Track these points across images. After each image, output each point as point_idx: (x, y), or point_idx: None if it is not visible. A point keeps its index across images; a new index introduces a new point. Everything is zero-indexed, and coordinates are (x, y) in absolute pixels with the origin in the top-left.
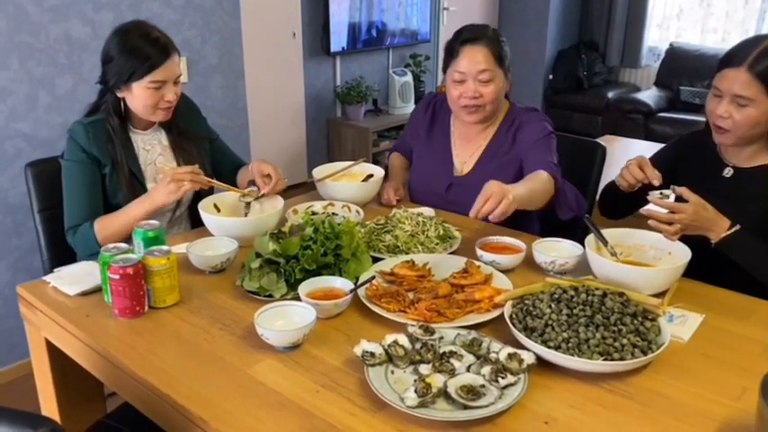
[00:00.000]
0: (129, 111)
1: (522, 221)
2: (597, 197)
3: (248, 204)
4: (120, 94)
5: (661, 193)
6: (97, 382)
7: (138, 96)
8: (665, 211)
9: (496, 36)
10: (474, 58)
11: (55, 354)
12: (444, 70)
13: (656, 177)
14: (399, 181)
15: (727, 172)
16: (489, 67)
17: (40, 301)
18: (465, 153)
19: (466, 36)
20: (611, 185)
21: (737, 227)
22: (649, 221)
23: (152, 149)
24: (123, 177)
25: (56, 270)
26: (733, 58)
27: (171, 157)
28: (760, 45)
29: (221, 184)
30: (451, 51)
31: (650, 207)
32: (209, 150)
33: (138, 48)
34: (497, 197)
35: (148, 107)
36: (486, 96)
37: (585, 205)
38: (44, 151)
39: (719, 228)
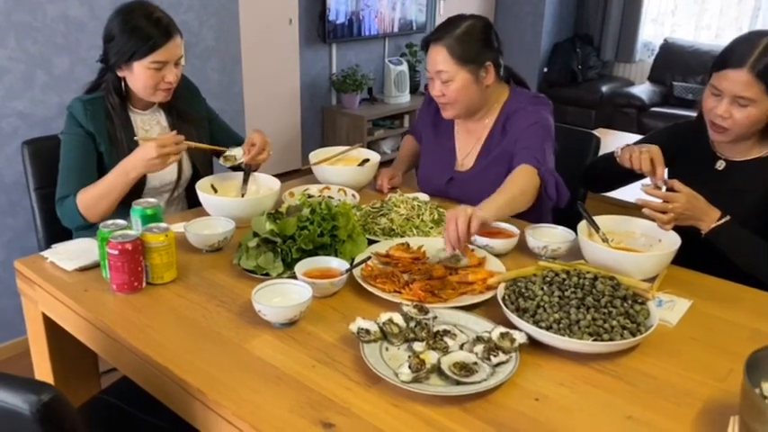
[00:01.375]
0: (129, 90)
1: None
2: (586, 168)
3: (245, 184)
4: (120, 74)
5: (654, 185)
6: (92, 358)
7: (138, 76)
8: (659, 201)
9: (465, 32)
10: (433, 59)
11: (52, 329)
12: None
13: (660, 178)
14: (398, 168)
15: (720, 165)
16: (446, 68)
17: (39, 276)
18: (467, 146)
19: (430, 35)
20: (604, 158)
21: (727, 218)
22: (643, 210)
23: (151, 129)
24: (122, 156)
25: (53, 246)
26: (733, 57)
27: None
28: (760, 44)
29: (204, 145)
30: (424, 49)
31: (643, 197)
32: (209, 130)
33: (141, 27)
34: (464, 217)
35: (149, 87)
36: (449, 95)
37: (566, 193)
38: (41, 130)
39: (710, 218)
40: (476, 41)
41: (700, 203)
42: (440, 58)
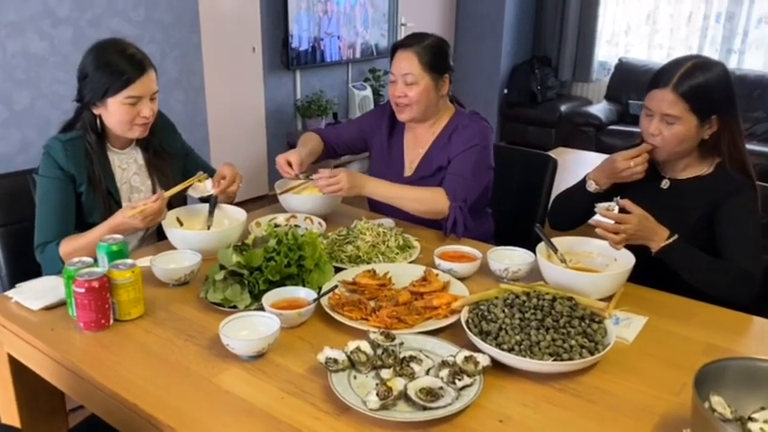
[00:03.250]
0: (105, 129)
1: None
2: (549, 207)
3: (211, 216)
4: (96, 111)
5: (608, 207)
6: (60, 396)
7: (113, 112)
8: (612, 222)
9: (432, 44)
10: (401, 62)
11: (17, 369)
12: None
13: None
14: (306, 157)
15: (665, 184)
16: (413, 71)
17: (3, 317)
18: (413, 153)
19: (400, 42)
20: (567, 193)
21: (675, 237)
22: (597, 230)
23: (128, 168)
24: (100, 196)
25: (17, 285)
26: (659, 79)
27: (146, 176)
28: (682, 67)
29: (179, 187)
30: (390, 55)
31: (598, 218)
32: (184, 166)
33: (114, 63)
34: (345, 179)
35: (124, 123)
36: (411, 97)
37: (461, 231)
38: (2, 167)
39: (659, 237)
40: (440, 54)
41: (650, 224)
42: (408, 63)
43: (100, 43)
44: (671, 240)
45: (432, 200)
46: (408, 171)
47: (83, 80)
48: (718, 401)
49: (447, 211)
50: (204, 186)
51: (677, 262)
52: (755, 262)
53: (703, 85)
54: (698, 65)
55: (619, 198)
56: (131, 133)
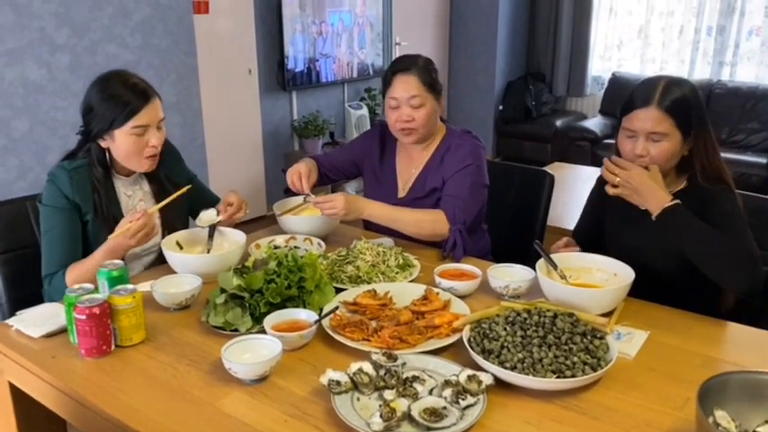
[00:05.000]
0: (113, 158)
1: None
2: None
3: (210, 239)
4: (104, 144)
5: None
6: (61, 425)
7: (121, 144)
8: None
9: (426, 65)
10: (405, 86)
11: (18, 397)
12: (384, 97)
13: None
14: (313, 172)
15: None
16: (419, 93)
17: (4, 345)
18: (406, 173)
19: (397, 67)
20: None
21: (678, 201)
22: (603, 169)
23: (134, 195)
24: (106, 225)
25: (18, 313)
26: (637, 99)
27: (152, 203)
28: (659, 85)
29: (169, 198)
30: (386, 80)
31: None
32: (188, 193)
33: (118, 94)
34: (341, 202)
35: (132, 155)
36: (419, 119)
37: (460, 255)
38: (0, 194)
39: (659, 200)
40: (434, 73)
41: (653, 183)
42: (413, 85)
43: (103, 76)
44: (672, 203)
45: (432, 224)
46: (402, 192)
47: (89, 114)
48: (722, 416)
49: (447, 235)
50: (210, 217)
51: (677, 228)
52: (753, 245)
53: (683, 99)
54: (672, 81)
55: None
56: (140, 167)
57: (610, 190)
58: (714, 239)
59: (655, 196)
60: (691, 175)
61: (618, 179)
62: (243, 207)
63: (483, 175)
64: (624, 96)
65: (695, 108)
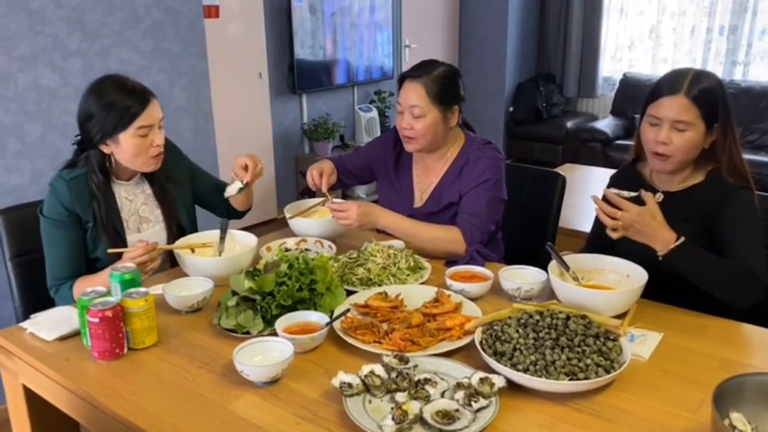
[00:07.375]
0: (112, 163)
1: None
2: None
3: (222, 242)
4: (107, 150)
5: (617, 192)
6: (74, 427)
7: (126, 147)
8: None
9: (440, 76)
10: (408, 94)
11: (32, 400)
12: None
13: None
14: (332, 172)
15: (659, 197)
16: (420, 103)
17: (18, 348)
18: (424, 183)
19: (408, 72)
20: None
21: (683, 239)
22: (595, 209)
23: (135, 199)
24: (105, 234)
25: (32, 316)
26: (665, 87)
27: (154, 205)
28: (687, 75)
29: (179, 246)
30: (399, 84)
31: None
32: (192, 186)
33: (117, 100)
34: (354, 212)
35: (139, 156)
36: (417, 130)
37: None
38: (14, 198)
39: (665, 239)
40: (449, 86)
41: (655, 223)
42: (416, 95)
43: (96, 83)
44: (678, 242)
45: (448, 243)
46: (419, 202)
47: (88, 121)
48: (738, 418)
49: (464, 255)
50: (235, 185)
51: (685, 265)
52: (760, 260)
53: (711, 90)
54: (700, 73)
55: (642, 190)
56: (146, 167)
57: (612, 234)
58: (718, 270)
59: (660, 236)
60: (710, 171)
61: (611, 222)
62: (258, 162)
63: (501, 191)
64: (635, 97)
65: (722, 100)
